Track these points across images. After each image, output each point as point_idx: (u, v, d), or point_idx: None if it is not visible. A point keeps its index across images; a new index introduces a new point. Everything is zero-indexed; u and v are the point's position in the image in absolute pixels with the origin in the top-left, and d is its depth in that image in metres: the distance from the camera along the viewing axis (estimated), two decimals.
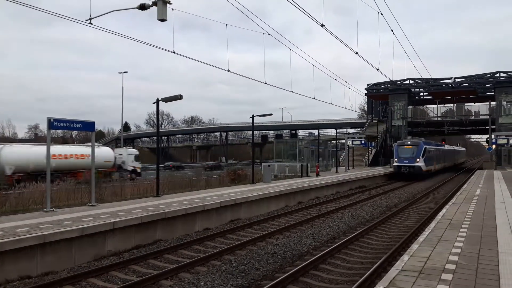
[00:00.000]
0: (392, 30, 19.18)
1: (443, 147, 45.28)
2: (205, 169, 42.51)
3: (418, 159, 33.04)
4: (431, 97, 51.68)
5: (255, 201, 15.59)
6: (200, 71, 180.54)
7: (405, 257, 6.52)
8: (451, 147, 54.44)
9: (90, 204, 12.60)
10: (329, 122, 77.27)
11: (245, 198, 14.98)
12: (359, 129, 62.92)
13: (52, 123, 11.28)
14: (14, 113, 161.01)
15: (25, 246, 7.82)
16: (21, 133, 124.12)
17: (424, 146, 34.27)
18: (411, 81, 49.80)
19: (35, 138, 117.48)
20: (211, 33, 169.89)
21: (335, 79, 24.02)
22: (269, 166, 24.43)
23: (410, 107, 51.14)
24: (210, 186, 20.78)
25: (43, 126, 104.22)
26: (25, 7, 9.33)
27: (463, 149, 77.43)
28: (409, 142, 35.63)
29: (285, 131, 76.76)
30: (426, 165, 34.02)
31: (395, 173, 33.94)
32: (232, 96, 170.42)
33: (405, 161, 33.34)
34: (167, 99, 14.87)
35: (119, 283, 7.67)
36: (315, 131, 77.16)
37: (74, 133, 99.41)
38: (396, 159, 34.37)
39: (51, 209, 11.30)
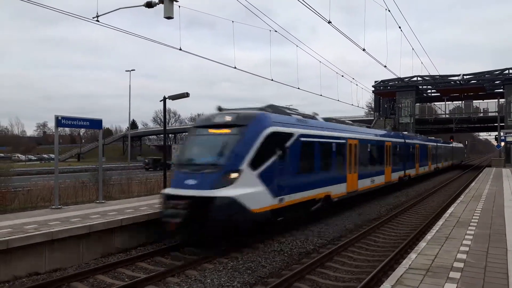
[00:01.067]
0: (399, 27, 18.99)
1: (391, 137, 21.68)
2: None
3: (226, 177, 9.20)
4: (439, 94, 51.30)
5: None
6: (205, 70, 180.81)
7: (412, 255, 6.49)
8: (421, 139, 30.00)
9: (98, 201, 12.68)
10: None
11: None
12: None
13: (60, 121, 11.37)
14: (19, 111, 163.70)
15: (34, 243, 7.89)
16: (30, 131, 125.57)
17: (271, 130, 10.16)
18: (419, 78, 49.46)
19: (44, 136, 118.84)
20: (217, 31, 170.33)
21: (342, 76, 23.84)
22: None
23: (417, 104, 50.82)
24: None
25: (51, 124, 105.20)
26: (32, 5, 9.36)
27: (459, 144, 58.03)
28: (225, 118, 10.36)
29: None
30: (278, 192, 10.23)
31: (160, 218, 9.50)
32: (236, 94, 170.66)
33: (188, 180, 9.38)
34: (173, 97, 14.92)
35: (126, 280, 7.72)
36: None
37: (82, 130, 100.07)
38: (174, 175, 10.44)
39: (59, 206, 11.41)
